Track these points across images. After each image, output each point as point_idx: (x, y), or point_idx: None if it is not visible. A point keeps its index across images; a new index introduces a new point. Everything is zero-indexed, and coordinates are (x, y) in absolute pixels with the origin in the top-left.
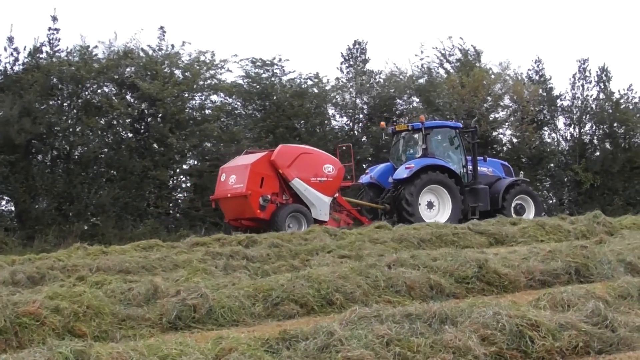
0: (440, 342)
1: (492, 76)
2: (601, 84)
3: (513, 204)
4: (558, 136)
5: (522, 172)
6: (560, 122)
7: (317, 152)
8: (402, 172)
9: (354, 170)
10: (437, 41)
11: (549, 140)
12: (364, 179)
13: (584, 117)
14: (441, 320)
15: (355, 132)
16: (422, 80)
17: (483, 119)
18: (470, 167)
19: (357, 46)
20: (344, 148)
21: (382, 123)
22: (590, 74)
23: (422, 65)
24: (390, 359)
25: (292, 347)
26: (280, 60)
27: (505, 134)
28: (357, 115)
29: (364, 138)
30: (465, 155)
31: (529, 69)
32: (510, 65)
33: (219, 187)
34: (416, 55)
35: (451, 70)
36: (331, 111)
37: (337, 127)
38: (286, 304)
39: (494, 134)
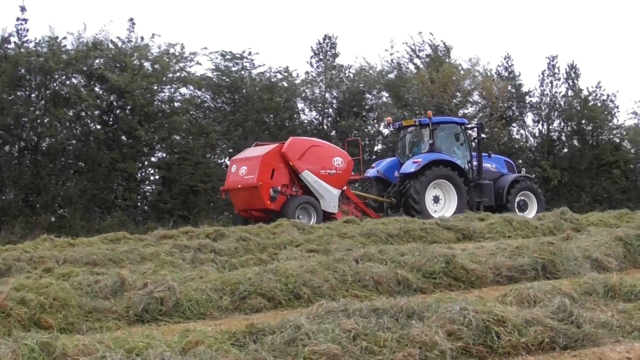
0: (406, 337)
1: (462, 72)
2: (570, 81)
3: (517, 200)
4: (526, 132)
5: (523, 169)
6: (529, 118)
7: (327, 145)
8: (409, 167)
9: (361, 164)
10: (407, 36)
11: (517, 136)
12: (371, 172)
13: (552, 113)
14: (408, 315)
15: (325, 126)
16: (391, 75)
17: (452, 115)
18: (475, 162)
19: (327, 40)
20: (356, 141)
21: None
22: (559, 71)
23: (392, 60)
24: (357, 353)
25: (258, 340)
26: (250, 53)
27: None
28: (326, 110)
29: (333, 132)
30: (470, 151)
31: (498, 65)
32: (479, 61)
33: (230, 179)
34: (386, 50)
35: (421, 66)
36: (300, 105)
37: (306, 121)
38: (253, 297)
39: None
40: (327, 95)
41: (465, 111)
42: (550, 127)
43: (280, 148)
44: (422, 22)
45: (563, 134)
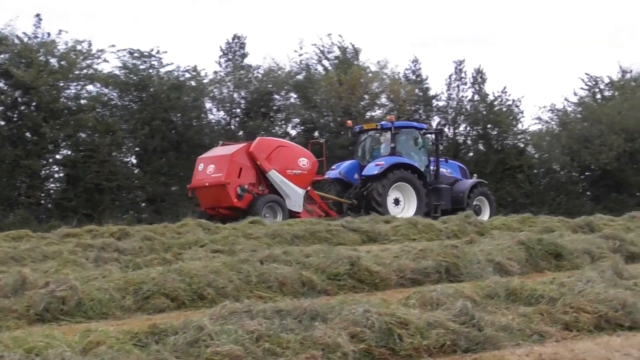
0: (310, 339)
1: (370, 74)
2: (476, 86)
3: (474, 204)
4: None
5: (475, 174)
6: (436, 122)
7: (293, 146)
8: (372, 169)
9: (325, 166)
10: (316, 38)
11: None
12: (332, 173)
13: (458, 117)
14: (312, 317)
15: (232, 126)
16: (300, 77)
17: (360, 117)
18: (432, 167)
19: (236, 40)
20: (320, 143)
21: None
22: (465, 75)
23: (300, 61)
24: (260, 355)
25: (161, 341)
26: (158, 52)
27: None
28: (234, 110)
29: (241, 132)
30: (428, 156)
31: (406, 69)
32: (387, 64)
33: (197, 177)
34: (295, 52)
35: (329, 68)
36: (208, 105)
37: (214, 120)
38: (157, 297)
39: None
40: (235, 95)
41: (373, 114)
42: (456, 130)
43: (248, 147)
44: (331, 24)
45: (469, 138)
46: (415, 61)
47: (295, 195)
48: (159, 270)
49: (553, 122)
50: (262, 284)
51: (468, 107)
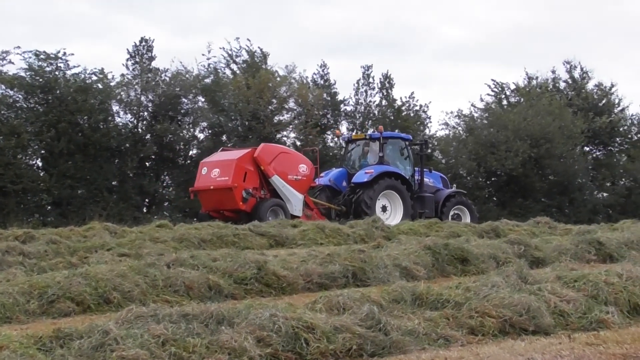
0: (216, 343)
1: (278, 79)
2: (384, 91)
3: (451, 213)
4: (341, 141)
5: (454, 184)
6: (344, 126)
7: (294, 153)
8: (361, 177)
9: (318, 173)
10: (224, 42)
11: (332, 144)
12: (322, 180)
13: (366, 122)
14: (218, 321)
15: (140, 129)
16: (208, 80)
17: (268, 121)
18: (417, 176)
19: (143, 43)
20: (313, 152)
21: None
22: (373, 80)
23: (208, 65)
24: (166, 359)
25: (66, 345)
26: (64, 54)
27: (289, 137)
28: (141, 113)
29: (148, 136)
30: (413, 166)
31: (314, 73)
32: (296, 68)
33: (200, 180)
34: (203, 55)
35: (237, 72)
36: (115, 108)
37: (121, 124)
38: (62, 301)
39: (278, 136)
40: (143, 98)
41: (281, 118)
42: None
43: (253, 153)
44: (240, 29)
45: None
46: (324, 66)
47: (295, 200)
48: (64, 273)
49: (460, 128)
50: (168, 288)
51: (376, 112)
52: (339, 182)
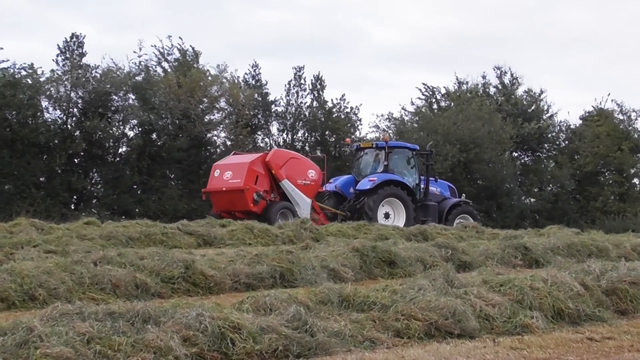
0: (141, 342)
1: (209, 78)
2: (315, 92)
3: (456, 222)
4: (271, 141)
5: (464, 194)
6: (274, 127)
7: (303, 158)
8: (365, 184)
9: (325, 179)
10: (156, 39)
11: (262, 144)
12: (329, 187)
13: (297, 123)
14: (144, 320)
15: (69, 126)
16: (139, 78)
17: (199, 120)
18: (422, 185)
19: (74, 39)
20: (321, 157)
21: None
22: (305, 81)
23: (140, 62)
24: (91, 357)
25: None
26: None
27: (220, 136)
28: (71, 109)
29: (77, 132)
30: (419, 175)
31: (245, 73)
32: (227, 68)
33: (213, 182)
34: (134, 52)
35: (169, 70)
36: (45, 103)
37: (50, 120)
38: None
39: (209, 135)
40: (73, 94)
41: (212, 117)
42: (295, 136)
43: (264, 157)
44: (171, 27)
45: (307, 144)
46: (255, 66)
47: (304, 204)
48: None
49: (390, 131)
50: (95, 286)
51: (307, 113)
52: (345, 188)
